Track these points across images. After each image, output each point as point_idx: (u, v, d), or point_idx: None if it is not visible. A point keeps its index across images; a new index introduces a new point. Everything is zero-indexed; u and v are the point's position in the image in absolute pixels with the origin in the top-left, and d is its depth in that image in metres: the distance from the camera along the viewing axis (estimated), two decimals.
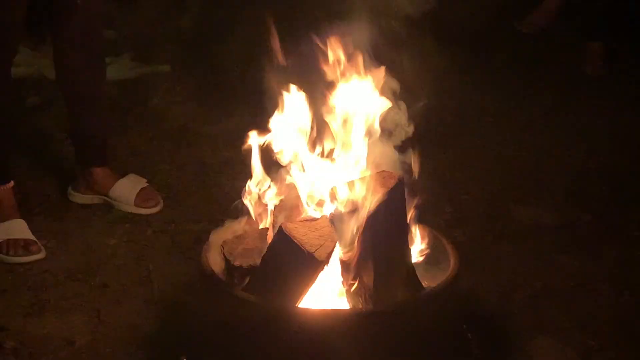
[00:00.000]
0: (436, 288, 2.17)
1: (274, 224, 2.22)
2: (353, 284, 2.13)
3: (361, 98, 2.26)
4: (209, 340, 2.27)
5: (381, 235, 2.09)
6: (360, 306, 2.12)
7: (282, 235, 2.08)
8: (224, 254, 2.22)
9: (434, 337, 2.20)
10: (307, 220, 2.15)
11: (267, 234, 2.24)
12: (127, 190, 3.02)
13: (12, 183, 2.84)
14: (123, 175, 3.06)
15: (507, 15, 4.53)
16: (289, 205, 2.23)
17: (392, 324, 2.10)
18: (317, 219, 2.15)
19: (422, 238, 2.29)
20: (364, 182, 2.11)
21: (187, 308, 2.45)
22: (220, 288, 2.18)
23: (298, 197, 2.23)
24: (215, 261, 2.24)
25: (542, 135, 3.59)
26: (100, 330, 2.46)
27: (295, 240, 2.06)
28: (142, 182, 3.06)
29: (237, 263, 2.19)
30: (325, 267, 2.09)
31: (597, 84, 4.05)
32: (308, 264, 2.06)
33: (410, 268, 2.21)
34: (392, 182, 2.12)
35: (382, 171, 2.20)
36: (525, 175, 3.29)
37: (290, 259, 2.07)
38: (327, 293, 2.15)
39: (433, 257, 2.31)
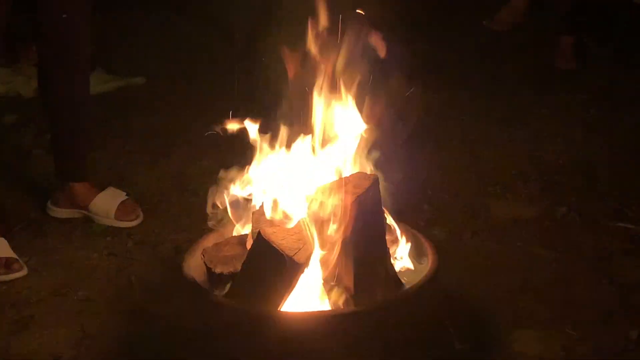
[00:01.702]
0: (416, 286, 2.19)
1: (252, 229, 2.23)
2: (334, 285, 2.15)
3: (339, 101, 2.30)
4: (194, 348, 2.28)
5: (359, 236, 2.11)
6: (342, 307, 2.14)
7: (261, 240, 2.09)
8: (204, 262, 2.23)
9: (417, 334, 2.21)
10: (285, 224, 2.17)
11: (246, 240, 2.25)
12: (106, 204, 3.02)
13: None
14: (102, 189, 3.06)
15: (477, 14, 4.57)
16: (267, 210, 2.24)
17: (374, 323, 2.12)
18: (296, 222, 2.17)
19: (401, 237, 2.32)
20: (341, 184, 2.13)
21: (170, 317, 2.45)
22: (203, 296, 2.19)
23: (276, 202, 2.25)
24: (196, 269, 2.25)
25: (516, 131, 3.62)
26: (85, 344, 2.46)
27: (274, 245, 2.07)
28: (122, 195, 3.06)
29: (218, 270, 2.20)
30: (305, 269, 2.11)
31: (568, 77, 4.09)
32: (288, 268, 2.08)
33: (390, 267, 2.23)
34: (367, 183, 2.14)
35: (358, 172, 2.22)
36: (501, 171, 3.31)
37: (271, 263, 2.09)
38: (308, 295, 2.16)
39: (413, 255, 2.34)
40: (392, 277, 2.22)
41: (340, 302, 2.14)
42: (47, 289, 2.71)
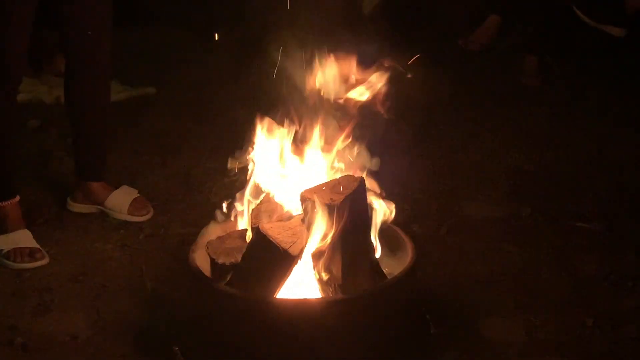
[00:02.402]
0: (397, 276, 2.20)
1: (252, 225, 2.23)
2: (323, 276, 2.16)
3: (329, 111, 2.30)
4: (197, 331, 2.28)
5: (347, 232, 2.12)
6: (331, 295, 2.15)
7: (259, 234, 2.10)
8: (208, 253, 2.24)
9: (397, 320, 2.23)
10: (281, 220, 2.18)
11: (246, 234, 2.26)
12: (120, 200, 3.02)
13: (17, 197, 2.83)
14: (116, 187, 3.06)
15: (452, 34, 4.59)
16: (265, 208, 2.25)
17: (359, 310, 2.13)
18: (290, 219, 2.18)
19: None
20: (330, 185, 2.14)
21: (177, 303, 2.46)
22: (206, 284, 2.19)
23: (273, 200, 2.25)
24: (201, 260, 2.25)
25: (487, 140, 3.63)
26: (100, 326, 2.46)
27: (271, 239, 2.08)
28: (134, 193, 3.06)
29: (220, 261, 2.21)
30: (299, 261, 2.12)
31: (533, 93, 4.10)
32: (283, 260, 2.09)
33: (374, 259, 2.24)
34: (355, 185, 2.15)
35: (346, 175, 2.23)
36: (472, 175, 3.32)
37: (268, 255, 2.10)
38: (301, 284, 2.17)
39: (394, 249, 2.35)
40: (376, 268, 2.23)
41: (329, 291, 2.15)
42: (66, 276, 2.70)
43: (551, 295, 2.55)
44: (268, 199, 2.26)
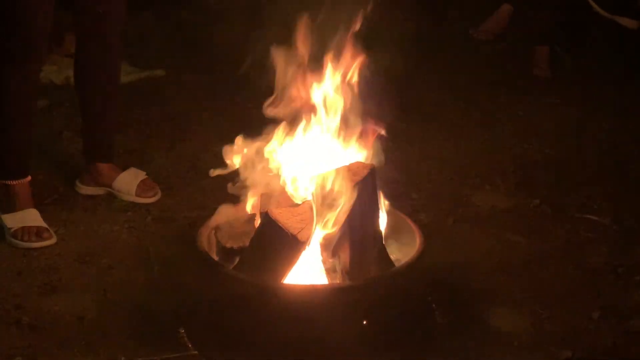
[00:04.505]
0: (404, 264, 2.20)
1: (261, 209, 2.23)
2: (331, 262, 2.15)
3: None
4: (204, 314, 2.28)
5: (356, 218, 2.11)
6: (338, 281, 2.14)
7: (268, 219, 2.10)
8: (216, 237, 2.23)
9: (403, 308, 2.22)
10: (290, 206, 2.17)
11: (254, 219, 2.25)
12: (128, 182, 3.01)
13: (29, 177, 2.82)
14: (124, 168, 3.06)
15: (464, 24, 4.57)
16: (275, 193, 2.24)
17: (366, 297, 2.12)
18: (300, 204, 2.17)
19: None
20: (341, 172, 2.13)
21: (184, 286, 2.45)
22: (214, 267, 2.19)
23: (283, 185, 2.24)
24: (208, 243, 2.25)
25: (496, 130, 3.61)
26: (106, 307, 2.46)
27: (279, 224, 2.07)
28: (142, 175, 3.05)
29: (228, 245, 2.20)
30: (307, 247, 2.11)
31: (543, 84, 4.08)
32: (291, 245, 2.08)
33: (382, 247, 2.23)
34: (365, 172, 2.14)
35: (356, 162, 2.22)
36: (481, 166, 3.30)
37: (276, 240, 2.09)
38: (308, 270, 2.17)
39: (401, 237, 2.34)
40: (384, 256, 2.22)
41: (337, 277, 2.14)
42: (73, 256, 2.70)
43: (558, 287, 2.54)
44: (278, 185, 2.25)
